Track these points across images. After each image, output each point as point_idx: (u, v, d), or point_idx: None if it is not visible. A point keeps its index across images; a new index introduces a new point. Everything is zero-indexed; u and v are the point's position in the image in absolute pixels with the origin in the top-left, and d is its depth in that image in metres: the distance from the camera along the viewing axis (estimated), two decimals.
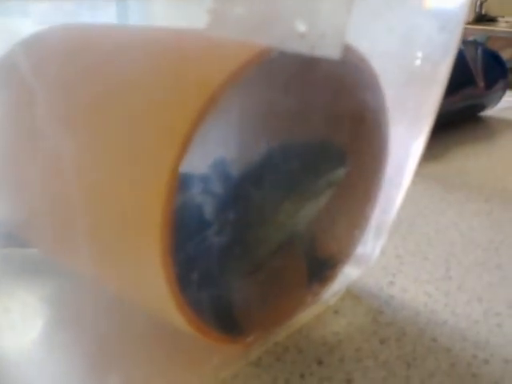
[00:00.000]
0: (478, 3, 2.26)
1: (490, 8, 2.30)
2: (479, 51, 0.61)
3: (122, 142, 0.18)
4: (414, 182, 0.27)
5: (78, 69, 0.20)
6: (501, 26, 2.17)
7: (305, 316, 0.26)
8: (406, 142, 0.26)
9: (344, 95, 0.23)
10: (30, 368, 0.22)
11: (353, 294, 0.28)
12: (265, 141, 0.23)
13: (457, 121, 0.60)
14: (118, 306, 0.21)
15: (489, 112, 0.66)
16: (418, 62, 0.23)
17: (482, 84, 0.59)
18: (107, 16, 0.21)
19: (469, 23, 2.12)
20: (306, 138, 0.23)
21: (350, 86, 0.23)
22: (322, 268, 0.26)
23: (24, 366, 0.22)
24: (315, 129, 0.23)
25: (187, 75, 0.18)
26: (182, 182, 0.18)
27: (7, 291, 0.23)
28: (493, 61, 0.62)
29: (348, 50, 0.20)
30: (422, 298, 0.29)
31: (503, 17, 2.25)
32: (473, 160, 0.51)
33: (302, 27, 0.17)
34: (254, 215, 0.22)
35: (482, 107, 0.64)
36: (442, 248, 0.34)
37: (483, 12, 2.29)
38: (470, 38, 0.78)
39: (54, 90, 0.19)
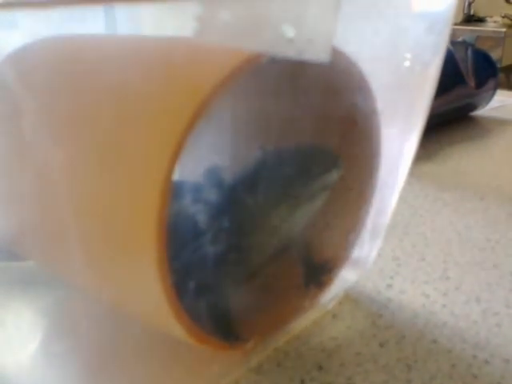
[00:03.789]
0: (466, 4, 2.28)
1: (478, 8, 2.32)
2: (469, 51, 0.61)
3: (112, 151, 0.18)
4: (408, 183, 0.27)
5: (67, 79, 0.20)
6: (489, 26, 2.19)
7: (304, 321, 0.26)
8: (399, 143, 0.26)
9: (334, 99, 0.23)
10: (26, 381, 0.22)
11: (351, 298, 0.28)
12: (257, 146, 0.23)
13: (449, 121, 0.60)
14: (115, 317, 0.21)
15: (480, 111, 0.66)
16: (407, 64, 0.23)
17: (472, 84, 0.59)
18: (96, 27, 0.21)
19: (457, 24, 2.14)
20: (299, 143, 0.23)
21: (340, 89, 0.23)
22: (318, 272, 0.26)
23: (21, 379, 0.22)
24: (307, 133, 0.23)
25: (177, 83, 0.18)
26: (175, 191, 0.18)
27: (2, 304, 0.23)
28: (483, 60, 0.63)
29: (336, 53, 0.20)
30: (420, 300, 0.28)
31: (491, 17, 2.27)
32: (466, 159, 0.51)
33: (289, 32, 0.17)
34: (249, 221, 0.22)
35: (474, 107, 0.64)
36: (438, 248, 0.34)
37: (471, 12, 2.31)
38: (459, 39, 0.78)
39: (43, 101, 0.19)
